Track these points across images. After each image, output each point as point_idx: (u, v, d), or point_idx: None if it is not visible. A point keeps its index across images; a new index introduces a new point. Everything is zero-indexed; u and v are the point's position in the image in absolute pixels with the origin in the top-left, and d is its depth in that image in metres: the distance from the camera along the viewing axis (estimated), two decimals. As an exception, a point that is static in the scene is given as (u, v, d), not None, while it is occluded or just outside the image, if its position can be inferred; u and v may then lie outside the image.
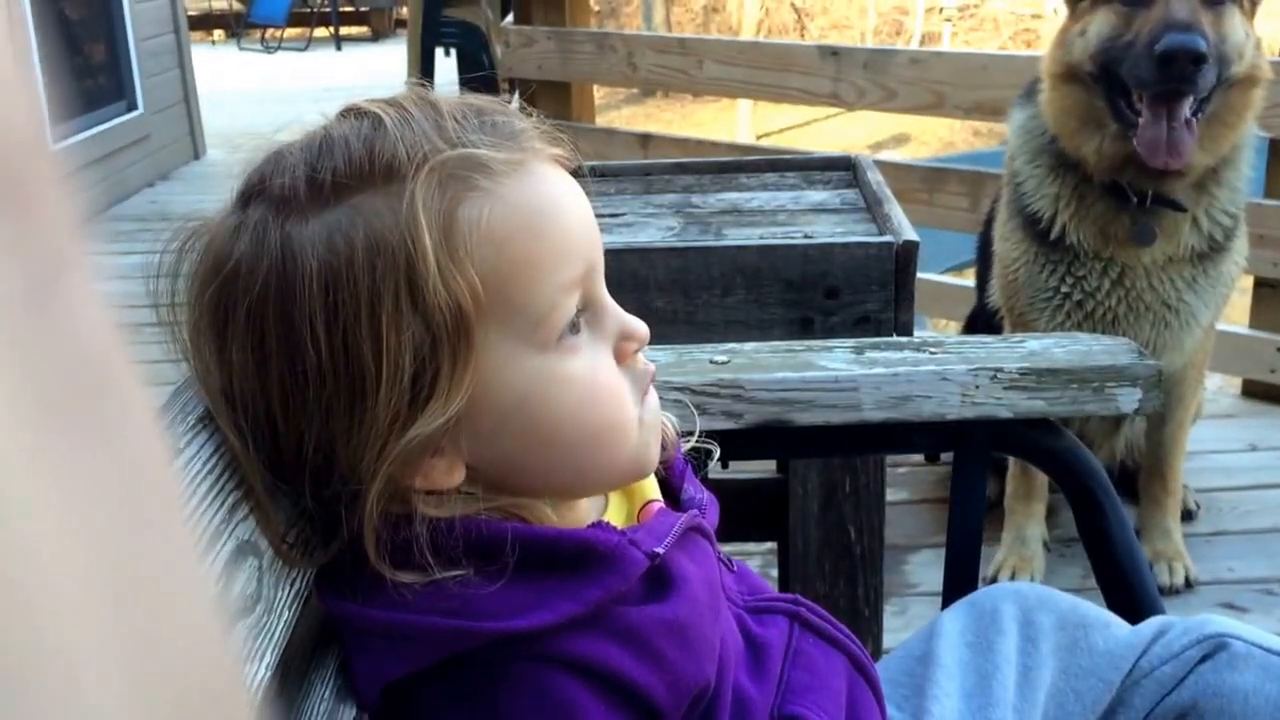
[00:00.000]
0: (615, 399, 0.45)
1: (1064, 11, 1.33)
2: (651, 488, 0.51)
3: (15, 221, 0.12)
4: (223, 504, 0.41)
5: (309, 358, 0.41)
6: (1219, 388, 2.01)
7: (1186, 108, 1.19)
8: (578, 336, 0.44)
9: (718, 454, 0.57)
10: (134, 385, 0.14)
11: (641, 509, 0.49)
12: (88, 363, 0.13)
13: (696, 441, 0.56)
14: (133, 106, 3.99)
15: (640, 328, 0.47)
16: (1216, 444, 1.77)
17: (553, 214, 0.44)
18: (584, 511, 0.48)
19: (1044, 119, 1.29)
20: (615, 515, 0.49)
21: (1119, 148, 1.24)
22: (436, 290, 0.40)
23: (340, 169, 0.42)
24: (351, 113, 0.45)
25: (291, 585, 0.43)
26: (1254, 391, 1.94)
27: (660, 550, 0.44)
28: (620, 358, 0.46)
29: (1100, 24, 1.24)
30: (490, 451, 0.44)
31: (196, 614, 0.14)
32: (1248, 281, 1.80)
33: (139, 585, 0.13)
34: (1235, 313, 1.80)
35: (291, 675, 0.43)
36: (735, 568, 0.54)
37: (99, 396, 0.13)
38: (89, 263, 0.13)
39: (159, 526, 0.14)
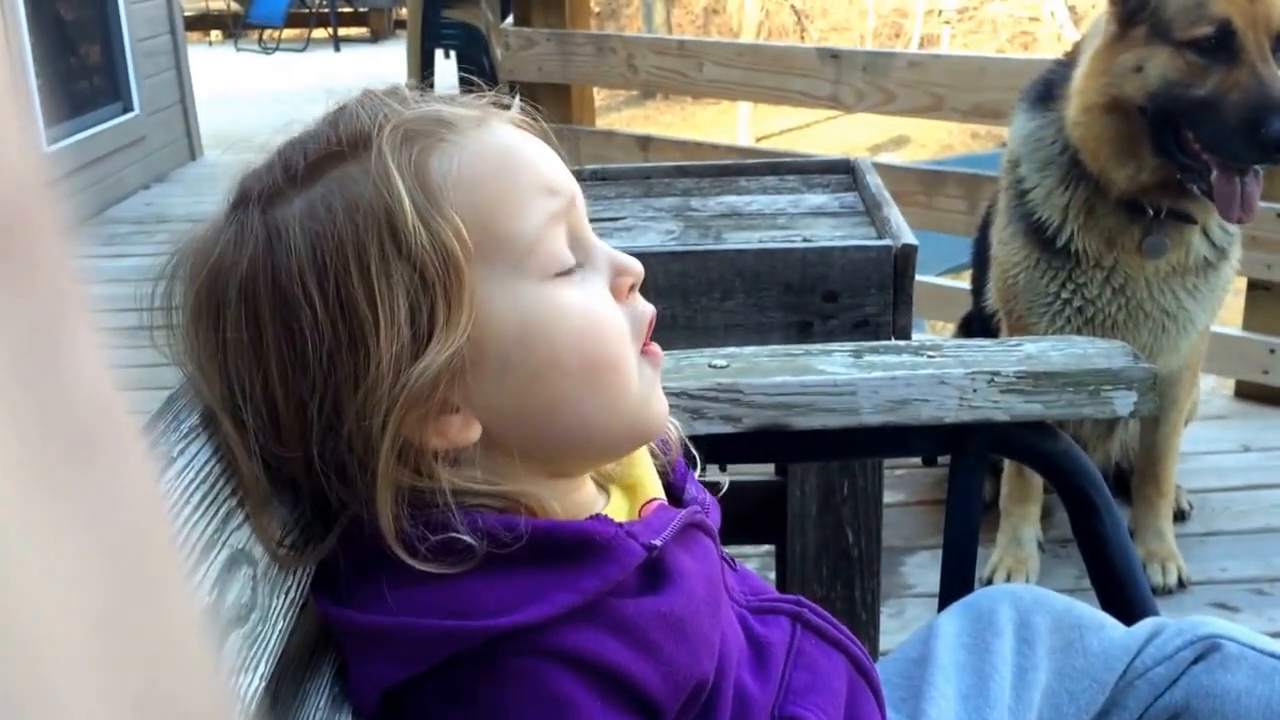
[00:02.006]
0: (614, 330, 0.46)
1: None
2: (654, 486, 0.51)
3: (15, 271, 0.12)
4: (216, 513, 0.41)
5: (305, 316, 0.42)
6: (1212, 389, 2.03)
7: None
8: (570, 274, 0.46)
9: (726, 486, 0.58)
10: (131, 435, 0.14)
11: (643, 507, 0.50)
12: (86, 412, 0.13)
13: (702, 477, 0.57)
14: (128, 108, 3.97)
15: (633, 262, 0.48)
16: (1209, 445, 1.78)
17: (521, 154, 0.46)
18: (584, 506, 0.48)
19: (1065, 134, 1.26)
20: (616, 513, 0.49)
21: (1155, 177, 1.22)
22: (418, 232, 0.42)
23: (310, 150, 0.45)
24: (321, 115, 0.47)
25: (286, 594, 0.43)
26: (1247, 393, 1.95)
27: (658, 543, 0.44)
28: (617, 294, 0.47)
29: (1165, 67, 1.18)
30: (499, 398, 0.44)
31: (188, 654, 0.15)
32: (1241, 283, 1.81)
33: (131, 626, 0.13)
34: (1229, 314, 1.81)
35: (286, 684, 0.44)
36: (738, 568, 0.54)
37: (97, 446, 0.13)
38: (89, 311, 0.14)
39: (152, 574, 0.14)
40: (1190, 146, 1.20)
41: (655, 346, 0.49)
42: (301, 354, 0.43)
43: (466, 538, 0.41)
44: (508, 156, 0.45)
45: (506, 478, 0.45)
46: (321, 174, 0.44)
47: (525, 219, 0.44)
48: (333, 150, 0.44)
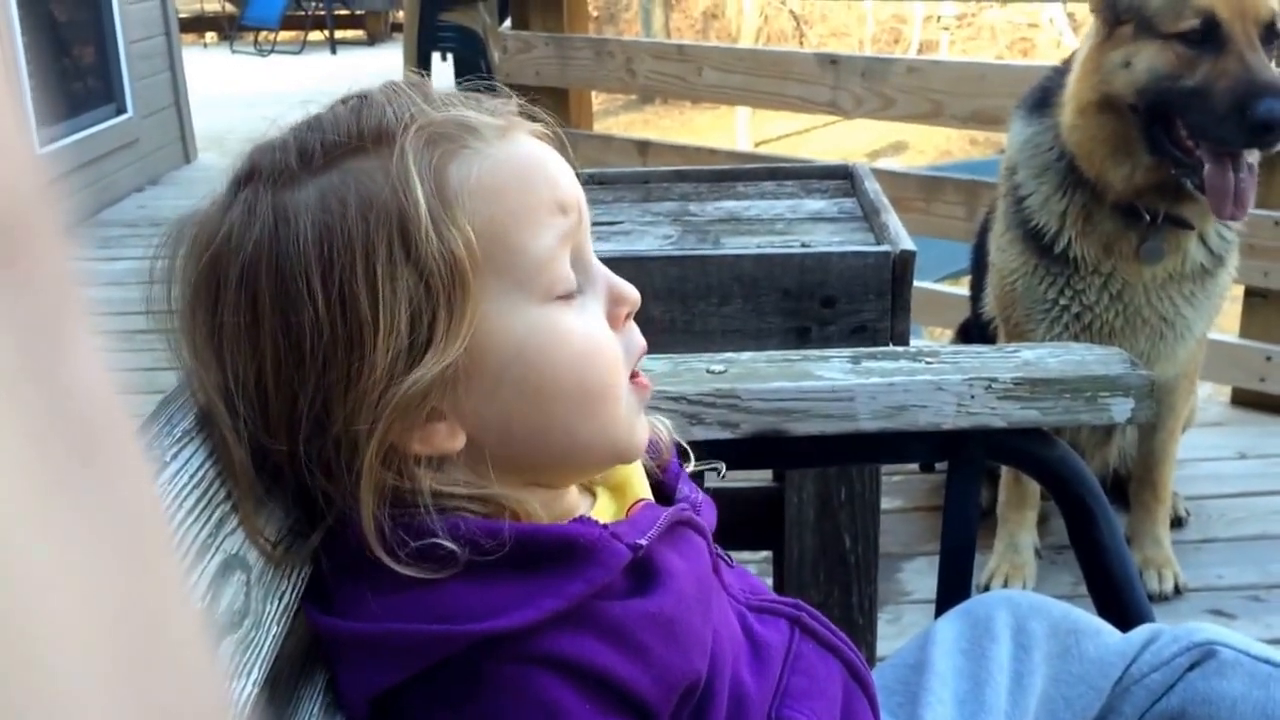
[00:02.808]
0: (610, 360, 0.46)
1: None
2: (642, 487, 0.51)
3: (16, 279, 0.13)
4: (210, 517, 0.41)
5: (305, 311, 0.42)
6: (1209, 396, 2.03)
7: (1250, 156, 1.17)
8: (571, 298, 0.45)
9: (724, 471, 0.57)
10: (129, 437, 0.14)
11: (631, 508, 0.49)
12: (87, 418, 0.13)
13: (698, 465, 0.56)
14: (122, 109, 3.95)
15: (631, 290, 0.47)
16: (1206, 452, 1.78)
17: (540, 169, 0.45)
18: (571, 509, 0.48)
19: (1062, 139, 1.27)
20: (603, 513, 0.49)
21: (1150, 178, 1.22)
22: (429, 239, 0.41)
23: (329, 137, 0.43)
24: (340, 98, 0.46)
25: (280, 599, 0.43)
26: (1244, 400, 1.96)
27: (643, 542, 0.44)
28: (613, 322, 0.47)
29: (1152, 60, 1.19)
30: (489, 411, 0.44)
31: (185, 651, 0.15)
32: (1238, 290, 1.82)
33: (134, 629, 0.13)
34: (1226, 322, 1.82)
35: (280, 691, 0.43)
36: (734, 566, 0.54)
37: (95, 447, 0.14)
38: (89, 319, 0.14)
39: (154, 574, 0.14)
40: (1182, 141, 1.20)
41: (644, 377, 0.48)
42: (296, 348, 0.42)
43: (447, 544, 0.41)
44: (527, 170, 0.45)
45: (489, 483, 0.44)
46: (337, 163, 0.43)
47: (538, 237, 0.44)
48: (353, 140, 0.43)
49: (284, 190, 0.43)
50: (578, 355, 0.44)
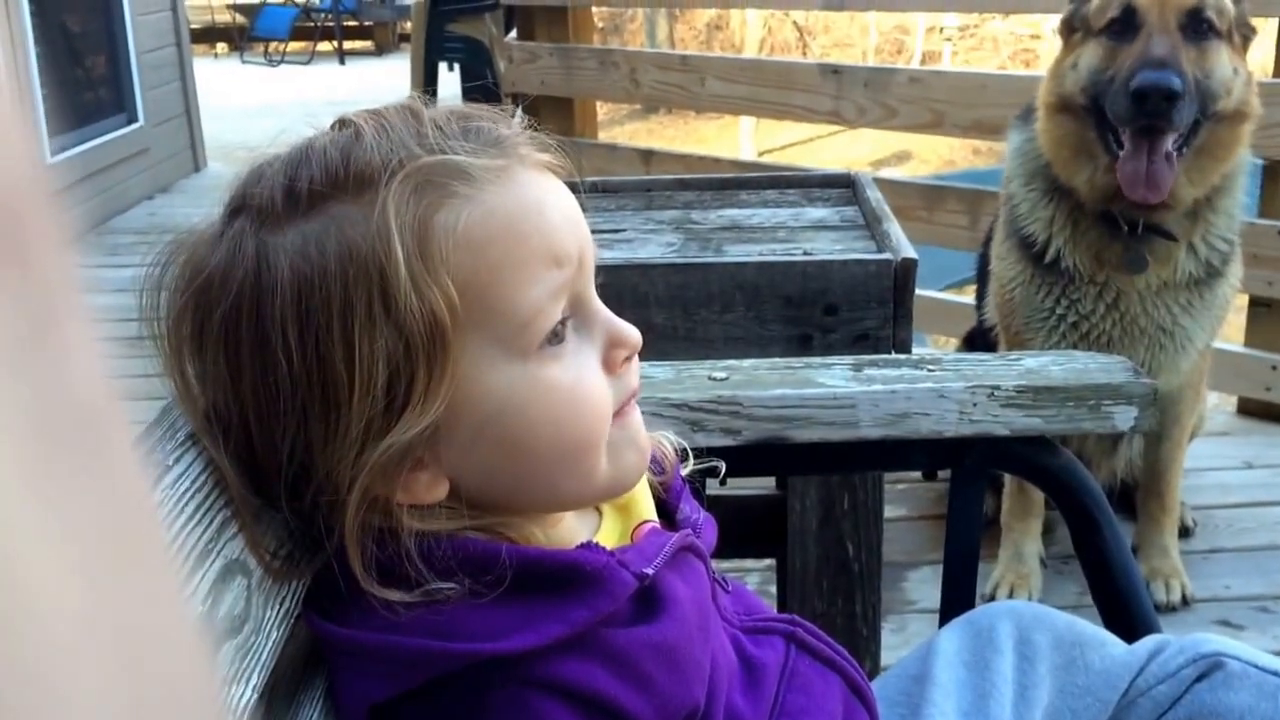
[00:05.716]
0: (593, 413, 0.44)
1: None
2: (647, 508, 0.50)
3: (13, 271, 0.13)
4: (211, 522, 0.41)
5: (280, 367, 0.41)
6: (1215, 405, 2.02)
7: (1168, 143, 1.19)
8: (562, 344, 0.44)
9: (723, 469, 0.57)
10: (123, 433, 0.14)
11: (635, 530, 0.49)
12: (81, 410, 0.13)
13: (699, 463, 0.56)
14: (133, 119, 3.98)
15: (630, 334, 0.45)
16: (1213, 461, 1.77)
17: (535, 218, 0.43)
18: (571, 532, 0.47)
19: (1039, 144, 1.31)
20: (608, 536, 0.48)
21: (1110, 179, 1.25)
22: (409, 299, 0.40)
23: (316, 178, 0.42)
24: (337, 124, 0.45)
25: (280, 604, 0.43)
26: (1250, 409, 1.95)
27: (650, 571, 0.43)
28: (609, 367, 0.45)
29: (1089, 57, 1.25)
30: (469, 462, 0.43)
31: (178, 647, 0.15)
32: (1243, 300, 1.81)
33: (126, 619, 0.14)
34: (1231, 331, 1.81)
35: (279, 697, 0.43)
36: (731, 588, 0.53)
37: (91, 443, 0.14)
38: (84, 312, 0.14)
39: (144, 565, 0.14)
40: (1120, 134, 1.23)
41: (628, 411, 0.46)
42: (274, 401, 0.42)
43: (444, 586, 0.41)
44: (520, 219, 0.42)
45: (477, 517, 0.44)
46: (322, 207, 0.42)
47: (524, 293, 0.42)
48: (338, 182, 0.42)
49: (268, 233, 0.42)
50: (558, 409, 0.43)
